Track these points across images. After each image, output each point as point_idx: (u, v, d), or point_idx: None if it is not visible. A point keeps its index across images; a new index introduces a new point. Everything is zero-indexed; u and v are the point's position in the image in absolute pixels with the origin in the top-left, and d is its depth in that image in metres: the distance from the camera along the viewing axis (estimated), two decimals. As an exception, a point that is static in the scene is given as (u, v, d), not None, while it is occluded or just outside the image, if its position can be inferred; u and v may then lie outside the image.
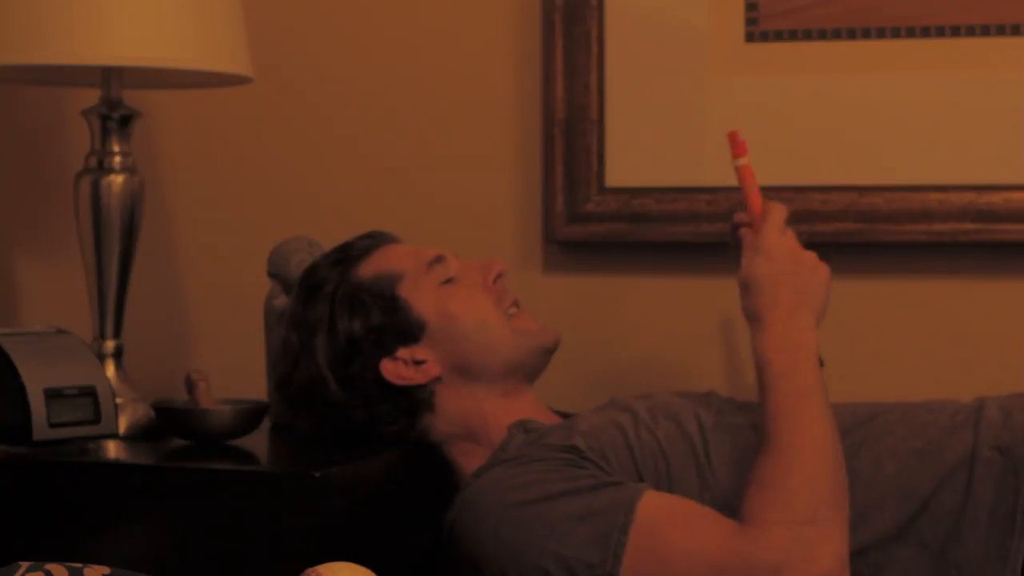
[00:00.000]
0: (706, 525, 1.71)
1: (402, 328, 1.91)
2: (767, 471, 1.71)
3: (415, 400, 1.92)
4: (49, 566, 1.27)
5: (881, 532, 1.75)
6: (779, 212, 1.86)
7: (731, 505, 1.75)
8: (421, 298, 1.92)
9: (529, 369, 1.95)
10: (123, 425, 2.00)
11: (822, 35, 2.16)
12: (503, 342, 1.92)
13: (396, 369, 1.91)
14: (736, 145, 1.91)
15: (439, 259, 1.96)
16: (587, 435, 1.82)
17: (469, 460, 1.91)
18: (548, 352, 1.97)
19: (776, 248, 1.84)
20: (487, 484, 1.79)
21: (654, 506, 1.72)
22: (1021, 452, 1.75)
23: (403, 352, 1.91)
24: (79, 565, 1.28)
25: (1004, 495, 1.74)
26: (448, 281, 1.95)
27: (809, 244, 2.05)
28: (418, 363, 1.91)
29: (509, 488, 1.77)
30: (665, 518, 1.72)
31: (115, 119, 2.09)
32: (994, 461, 1.75)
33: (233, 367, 2.26)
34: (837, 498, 1.70)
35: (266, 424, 2.02)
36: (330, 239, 2.04)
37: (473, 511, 1.78)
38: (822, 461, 1.72)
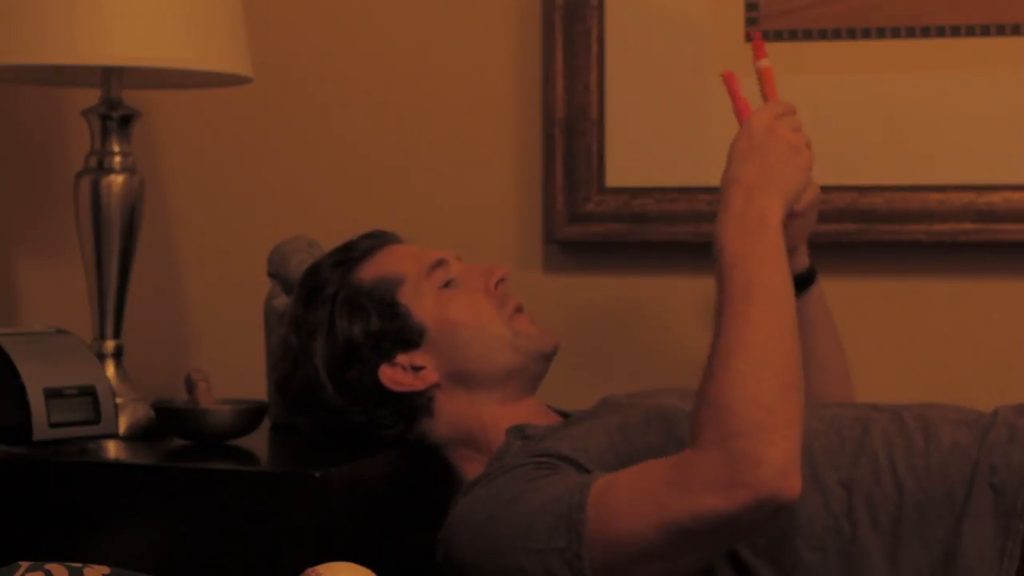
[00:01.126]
0: (652, 469, 1.66)
1: (402, 334, 1.91)
2: (706, 385, 1.65)
3: (413, 406, 1.92)
4: (49, 566, 1.27)
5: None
6: (784, 104, 1.81)
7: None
8: (421, 304, 1.92)
9: (528, 375, 1.94)
10: (123, 425, 2.00)
11: (822, 35, 2.16)
12: (503, 348, 1.92)
13: (395, 375, 1.91)
14: (758, 48, 1.88)
15: (440, 263, 1.95)
16: (575, 438, 1.81)
17: (469, 466, 1.91)
18: (547, 357, 1.96)
19: (759, 124, 1.76)
20: (467, 503, 1.78)
21: (608, 479, 1.68)
22: (1012, 496, 1.71)
23: (402, 358, 1.91)
24: (79, 565, 1.28)
25: (995, 536, 1.71)
26: (448, 284, 1.94)
27: (810, 244, 2.06)
28: (417, 369, 1.91)
29: (483, 503, 1.75)
30: (615, 479, 1.67)
31: (115, 119, 2.09)
32: (988, 497, 1.73)
33: (233, 367, 2.26)
34: (783, 400, 1.61)
35: (266, 424, 2.02)
36: (330, 239, 2.04)
37: (453, 531, 1.77)
38: (764, 361, 1.63)
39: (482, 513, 1.74)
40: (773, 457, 1.59)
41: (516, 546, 1.68)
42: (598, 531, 1.64)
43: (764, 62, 1.88)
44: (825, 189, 2.14)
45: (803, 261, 2.00)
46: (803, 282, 1.98)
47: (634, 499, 1.65)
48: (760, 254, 1.69)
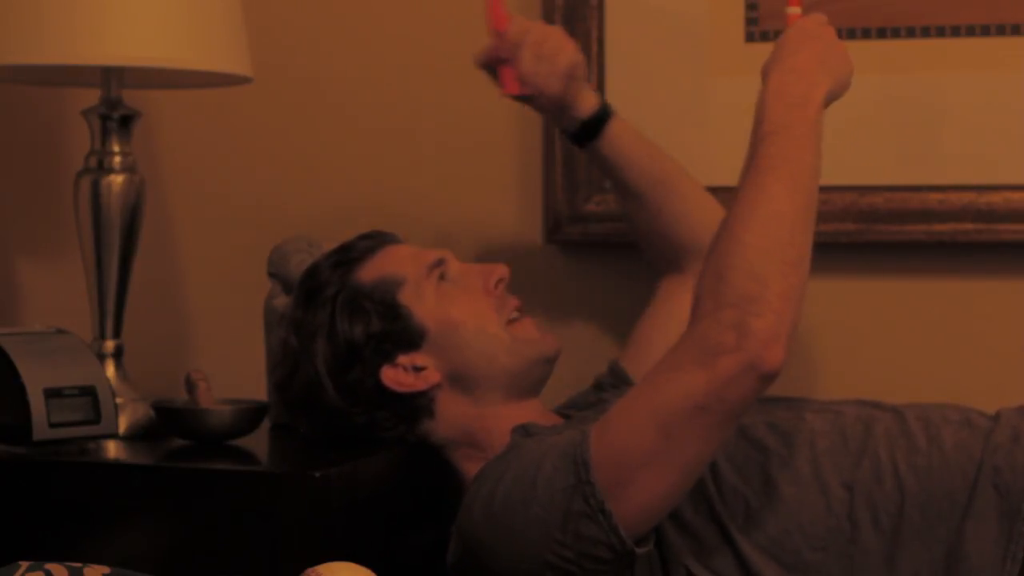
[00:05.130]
0: (644, 377, 1.69)
1: (403, 335, 1.91)
2: (711, 253, 1.65)
3: (414, 406, 1.91)
4: (49, 566, 1.27)
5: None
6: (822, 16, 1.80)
7: (731, 503, 1.75)
8: (422, 304, 1.92)
9: (530, 378, 1.94)
10: (123, 425, 2.00)
11: (822, 35, 2.16)
12: (502, 350, 1.92)
13: (396, 376, 1.91)
14: None
15: (440, 263, 1.95)
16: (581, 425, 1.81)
17: (471, 466, 1.90)
18: (548, 362, 1.96)
19: (812, 21, 1.77)
20: (475, 487, 1.78)
21: (605, 415, 1.70)
22: (1017, 498, 1.72)
23: (403, 359, 1.91)
24: (79, 565, 1.28)
25: (998, 537, 1.71)
26: (448, 283, 1.94)
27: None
28: (418, 369, 1.91)
29: (489, 477, 1.76)
30: (612, 409, 1.70)
31: (115, 119, 2.09)
32: (991, 498, 1.73)
33: (233, 367, 2.26)
34: (780, 275, 1.61)
35: (266, 424, 2.02)
36: (330, 239, 2.04)
37: (464, 516, 1.77)
38: (771, 235, 1.63)
39: (490, 487, 1.74)
40: (759, 327, 1.59)
41: (528, 498, 1.69)
42: (601, 453, 1.65)
43: (795, 9, 1.84)
44: (825, 189, 2.14)
45: (591, 100, 2.03)
46: (599, 122, 2.02)
47: (629, 408, 1.67)
48: (797, 129, 1.68)
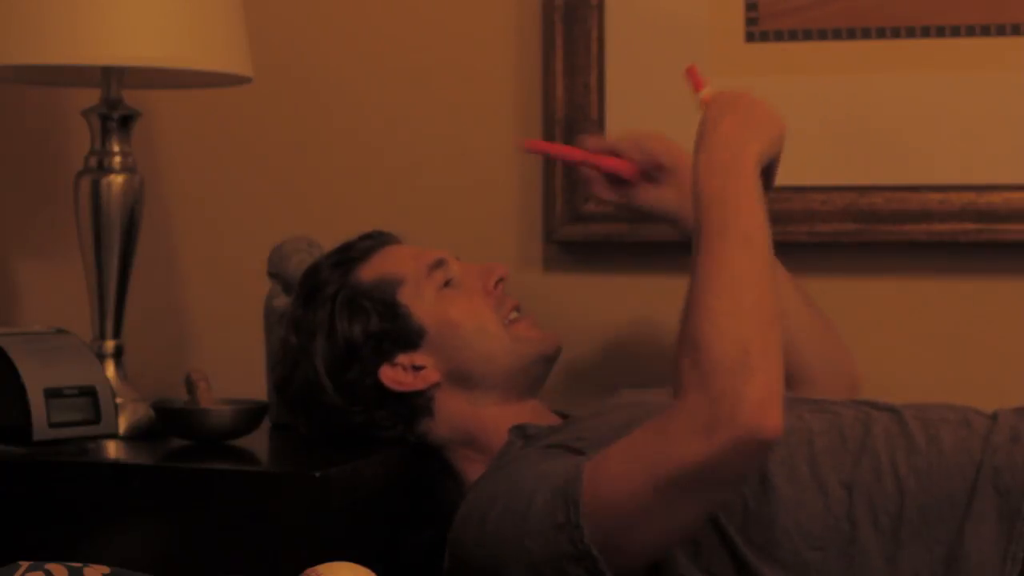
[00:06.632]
0: (640, 431, 1.65)
1: (402, 335, 1.91)
2: (683, 328, 1.62)
3: (413, 406, 1.92)
4: (49, 566, 1.27)
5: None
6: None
7: (729, 503, 1.75)
8: (421, 304, 1.92)
9: (529, 377, 1.94)
10: (123, 425, 2.00)
11: (822, 35, 2.16)
12: (502, 349, 1.92)
13: (395, 375, 1.91)
14: (695, 80, 1.86)
15: (440, 263, 1.95)
16: (580, 438, 1.80)
17: (469, 466, 1.91)
18: (548, 360, 1.96)
19: (728, 93, 1.76)
20: (470, 501, 1.78)
21: (602, 451, 1.67)
22: (1017, 498, 1.71)
23: (403, 358, 1.91)
24: (79, 565, 1.28)
25: (997, 537, 1.70)
26: (448, 284, 1.94)
27: (809, 244, 2.06)
28: (417, 369, 1.91)
29: (485, 496, 1.76)
30: (608, 449, 1.67)
31: (115, 119, 2.09)
32: (991, 499, 1.73)
33: (233, 367, 2.26)
34: (759, 336, 1.59)
35: (266, 424, 2.02)
36: (330, 239, 2.04)
37: (459, 532, 1.76)
38: (738, 299, 1.60)
39: (484, 507, 1.74)
40: (751, 394, 1.56)
41: (519, 530, 1.67)
42: (594, 499, 1.63)
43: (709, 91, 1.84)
44: (825, 189, 2.15)
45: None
46: None
47: (625, 460, 1.64)
48: (736, 195, 1.66)
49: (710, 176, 1.68)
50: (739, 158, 1.68)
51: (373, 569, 1.29)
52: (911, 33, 2.14)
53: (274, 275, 2.15)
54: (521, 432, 1.88)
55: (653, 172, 1.99)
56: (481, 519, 1.73)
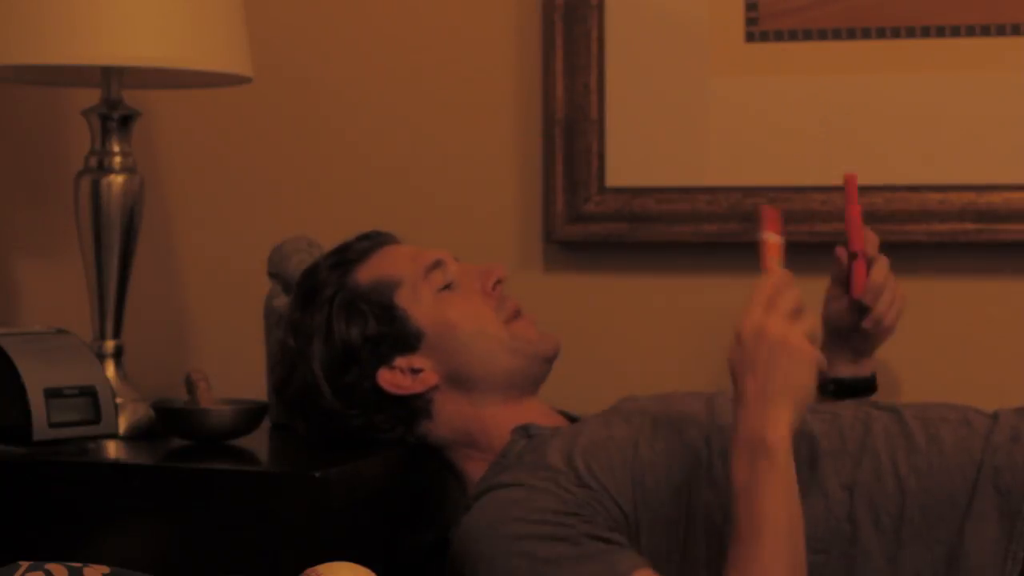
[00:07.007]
0: None
1: (400, 337, 1.90)
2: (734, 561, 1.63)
3: (412, 408, 1.91)
4: (49, 566, 1.27)
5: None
6: (774, 285, 1.68)
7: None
8: (419, 306, 1.92)
9: (528, 378, 1.94)
10: (123, 425, 2.00)
11: (822, 35, 2.16)
12: (501, 350, 1.91)
13: (393, 378, 1.90)
14: (771, 220, 1.76)
15: (438, 264, 1.95)
16: (586, 452, 1.79)
17: (471, 465, 1.90)
18: (547, 361, 1.95)
19: (748, 332, 1.65)
20: (483, 514, 1.76)
21: None
22: (1018, 498, 1.71)
23: (400, 361, 1.90)
24: (79, 565, 1.28)
25: (998, 537, 1.70)
26: (447, 287, 1.94)
27: (809, 244, 2.06)
28: (415, 372, 1.90)
29: (500, 520, 1.74)
30: None
31: (115, 119, 2.09)
32: (992, 498, 1.73)
33: (233, 367, 2.26)
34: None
35: (266, 424, 2.02)
36: (330, 239, 2.04)
37: (471, 543, 1.75)
38: (782, 555, 1.61)
39: (499, 531, 1.72)
40: None
41: None
42: None
43: (772, 236, 1.74)
44: (825, 189, 2.15)
45: (862, 369, 2.04)
46: (859, 390, 2.02)
47: None
48: (765, 483, 1.62)
49: (740, 459, 1.63)
50: (768, 439, 1.62)
51: (373, 569, 1.29)
52: (911, 33, 2.14)
53: (274, 275, 2.14)
54: (524, 432, 1.87)
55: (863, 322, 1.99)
56: (492, 556, 1.72)
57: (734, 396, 1.66)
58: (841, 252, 1.99)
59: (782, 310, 1.66)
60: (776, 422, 1.62)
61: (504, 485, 1.78)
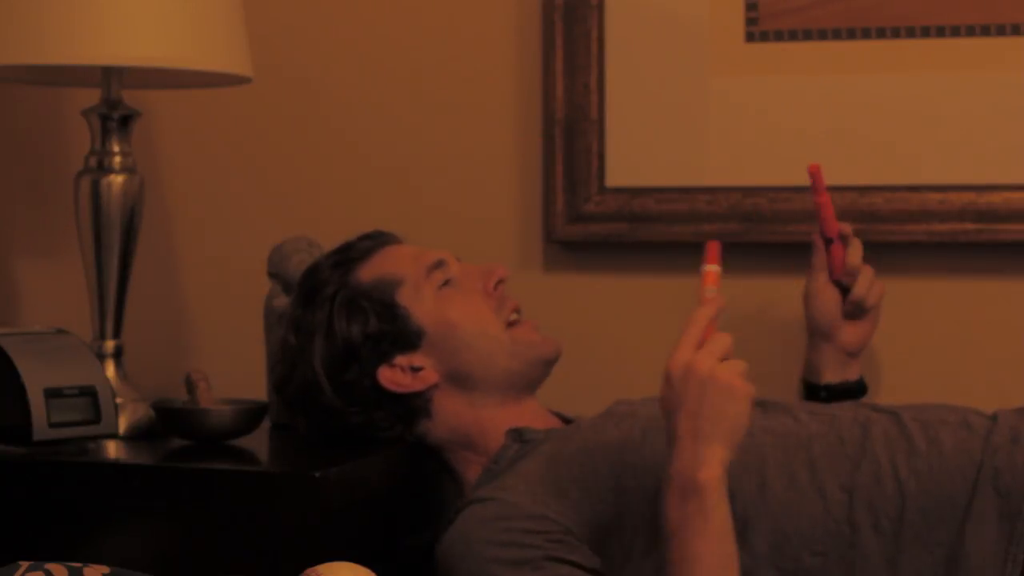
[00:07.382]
0: None
1: (400, 336, 1.91)
2: None
3: (411, 407, 1.91)
4: (49, 566, 1.27)
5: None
6: (702, 321, 1.66)
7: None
8: (420, 305, 1.92)
9: (528, 379, 1.94)
10: (123, 425, 2.00)
11: (822, 35, 2.16)
12: (501, 351, 1.92)
13: (393, 376, 1.91)
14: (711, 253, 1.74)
15: (440, 264, 1.95)
16: (571, 460, 1.80)
17: (467, 467, 1.91)
18: (548, 364, 1.96)
19: (676, 370, 1.63)
20: (459, 530, 1.77)
21: None
22: (1018, 499, 1.71)
23: (401, 359, 1.91)
24: (79, 565, 1.28)
25: (998, 538, 1.70)
26: (447, 285, 1.94)
27: (809, 244, 2.06)
28: (416, 370, 1.91)
29: (473, 540, 1.75)
30: None
31: (115, 119, 2.09)
32: (992, 500, 1.72)
33: (233, 367, 2.26)
34: None
35: (266, 424, 2.02)
36: (330, 239, 2.04)
37: (450, 558, 1.77)
38: None
39: (486, 553, 1.73)
40: None
41: None
42: None
43: (712, 267, 1.72)
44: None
45: (850, 373, 2.06)
46: (849, 395, 2.03)
47: None
48: (695, 524, 1.60)
49: (672, 498, 1.61)
50: (698, 478, 1.59)
51: (373, 569, 1.29)
52: (911, 33, 2.14)
53: (274, 275, 2.15)
54: (517, 436, 1.88)
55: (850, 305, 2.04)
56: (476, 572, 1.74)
57: (667, 435, 1.64)
58: (818, 239, 2.04)
59: (711, 348, 1.64)
60: (709, 460, 1.60)
61: (480, 500, 1.80)
